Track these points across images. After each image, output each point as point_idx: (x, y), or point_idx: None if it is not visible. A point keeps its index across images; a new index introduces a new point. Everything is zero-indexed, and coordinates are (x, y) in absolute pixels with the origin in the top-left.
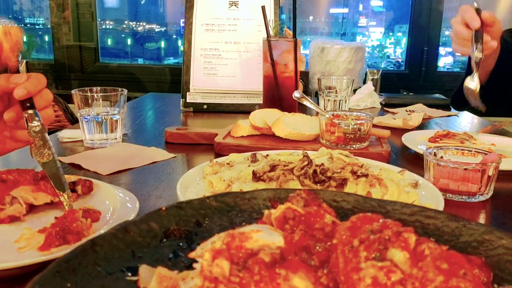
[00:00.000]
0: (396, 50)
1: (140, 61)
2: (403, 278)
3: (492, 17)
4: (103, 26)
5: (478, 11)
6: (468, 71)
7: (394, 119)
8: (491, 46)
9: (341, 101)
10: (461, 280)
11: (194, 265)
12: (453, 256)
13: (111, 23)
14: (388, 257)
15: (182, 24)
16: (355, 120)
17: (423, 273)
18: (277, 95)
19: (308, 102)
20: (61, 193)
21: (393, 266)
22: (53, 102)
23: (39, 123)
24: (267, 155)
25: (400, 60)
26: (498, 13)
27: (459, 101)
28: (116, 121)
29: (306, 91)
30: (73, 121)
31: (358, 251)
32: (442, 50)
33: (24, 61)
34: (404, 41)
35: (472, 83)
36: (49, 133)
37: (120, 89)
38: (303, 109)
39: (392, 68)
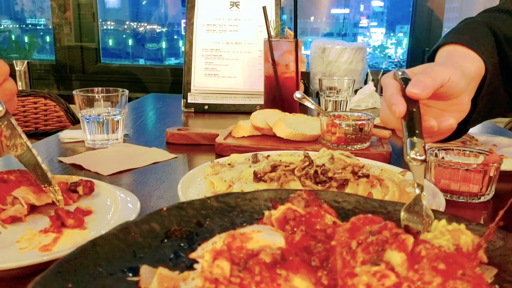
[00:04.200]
0: (397, 50)
1: (141, 61)
2: (398, 282)
3: (427, 88)
4: (104, 27)
5: (404, 82)
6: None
7: None
8: (444, 127)
9: (342, 102)
10: (459, 281)
11: (195, 265)
12: (451, 256)
13: (112, 23)
14: (385, 259)
15: (183, 25)
16: (356, 120)
17: (420, 275)
18: (278, 96)
19: (309, 103)
20: (47, 186)
21: (388, 269)
22: (55, 102)
23: (2, 107)
24: (268, 156)
25: (401, 60)
26: None
27: None
28: (117, 121)
29: (307, 92)
30: (74, 121)
31: (356, 253)
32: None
33: (26, 62)
34: (405, 41)
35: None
36: (50, 134)
37: (121, 90)
38: (304, 110)
39: (393, 69)
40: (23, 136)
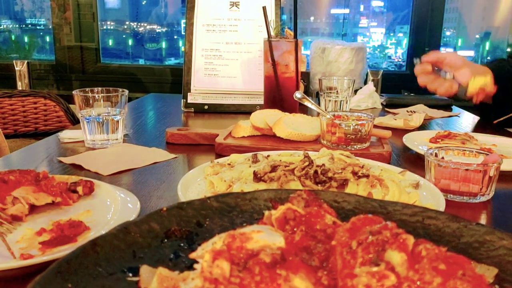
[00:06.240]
0: (397, 50)
1: (141, 61)
2: (398, 282)
3: (429, 58)
4: (104, 27)
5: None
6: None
7: (395, 119)
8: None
9: (342, 102)
10: (459, 281)
11: (195, 265)
12: (451, 257)
13: (112, 23)
14: (386, 259)
15: (183, 25)
16: (356, 120)
17: (420, 275)
18: (278, 96)
19: (309, 103)
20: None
21: (388, 270)
22: (55, 102)
23: None
24: (268, 156)
25: (401, 60)
26: (499, 14)
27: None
28: (117, 121)
29: (307, 92)
30: (74, 121)
31: (356, 253)
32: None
33: (25, 62)
34: (405, 41)
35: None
36: (50, 134)
37: (121, 90)
38: (304, 110)
39: (393, 69)
40: None
